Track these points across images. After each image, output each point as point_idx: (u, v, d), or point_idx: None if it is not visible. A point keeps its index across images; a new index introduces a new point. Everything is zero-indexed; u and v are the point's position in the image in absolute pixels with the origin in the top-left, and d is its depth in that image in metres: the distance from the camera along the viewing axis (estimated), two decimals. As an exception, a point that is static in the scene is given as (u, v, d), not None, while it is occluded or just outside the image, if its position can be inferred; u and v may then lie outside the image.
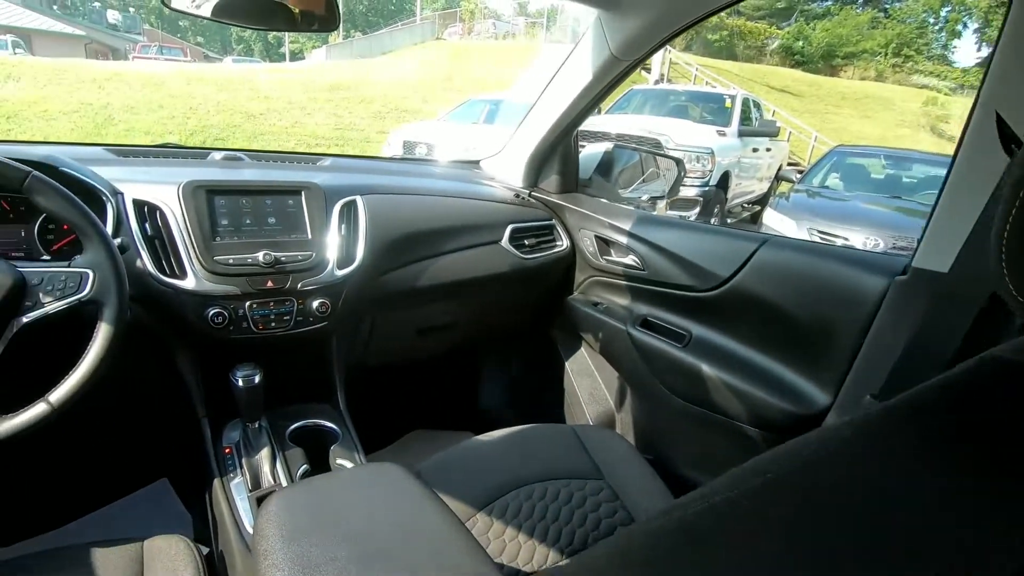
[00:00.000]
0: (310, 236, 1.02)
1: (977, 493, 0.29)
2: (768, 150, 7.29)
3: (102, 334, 0.71)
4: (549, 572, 0.71)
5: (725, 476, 0.44)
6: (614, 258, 1.34)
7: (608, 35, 1.12)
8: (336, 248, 1.03)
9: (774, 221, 4.61)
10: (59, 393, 0.69)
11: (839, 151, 5.84)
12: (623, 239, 1.30)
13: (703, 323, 1.14)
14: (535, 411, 1.57)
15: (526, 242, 1.38)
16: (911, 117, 18.39)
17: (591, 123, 5.73)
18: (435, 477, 0.93)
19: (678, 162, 1.59)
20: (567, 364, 1.47)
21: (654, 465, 1.00)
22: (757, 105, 7.47)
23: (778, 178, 7.81)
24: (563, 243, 1.44)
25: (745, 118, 6.66)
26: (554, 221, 1.45)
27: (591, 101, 1.26)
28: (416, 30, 23.90)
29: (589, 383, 1.43)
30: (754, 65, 23.61)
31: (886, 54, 26.08)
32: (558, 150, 1.45)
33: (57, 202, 0.71)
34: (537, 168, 1.50)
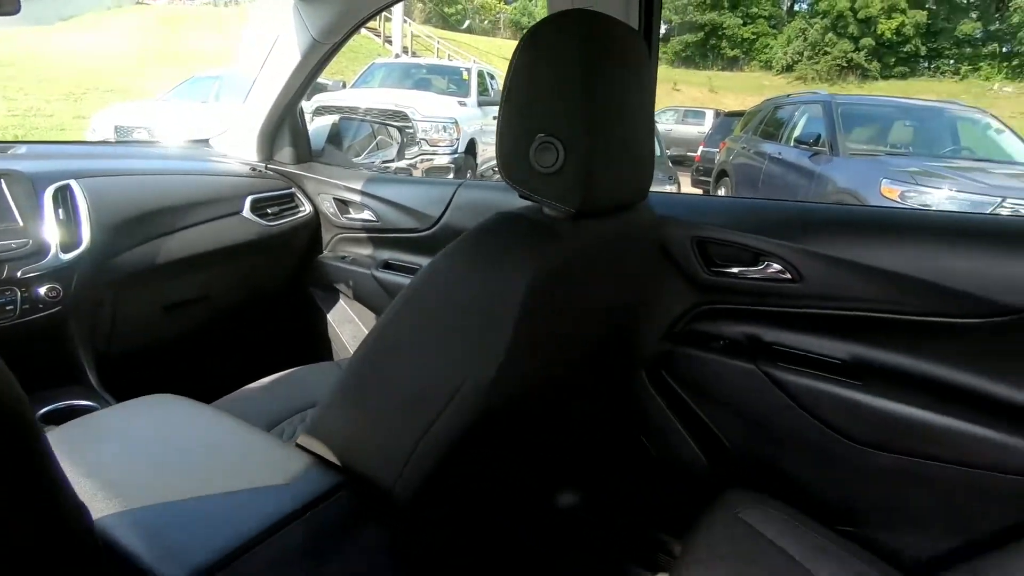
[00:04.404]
0: (21, 223, 1.01)
1: None
2: (508, 118, 8.08)
3: None
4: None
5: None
6: (353, 216, 1.54)
7: (307, 21, 1.29)
8: (57, 233, 1.04)
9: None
10: None
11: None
12: (358, 198, 1.51)
13: (429, 257, 1.43)
14: (305, 363, 1.72)
15: (269, 210, 1.49)
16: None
17: (337, 97, 5.71)
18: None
19: (400, 131, 1.85)
20: (329, 316, 1.64)
21: None
22: (492, 76, 8.20)
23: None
24: (306, 208, 1.58)
25: (483, 89, 7.30)
26: (294, 189, 1.59)
27: (305, 81, 1.42)
28: (105, -9, 19.72)
29: (351, 328, 1.63)
30: (490, 38, 25.34)
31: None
32: (286, 125, 1.57)
33: None
34: (269, 142, 1.60)
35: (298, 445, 0.70)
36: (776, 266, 0.95)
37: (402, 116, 5.36)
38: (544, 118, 0.60)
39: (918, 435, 0.84)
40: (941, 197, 3.60)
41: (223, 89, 6.38)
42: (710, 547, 0.78)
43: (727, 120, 8.55)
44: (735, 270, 0.99)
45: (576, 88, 0.58)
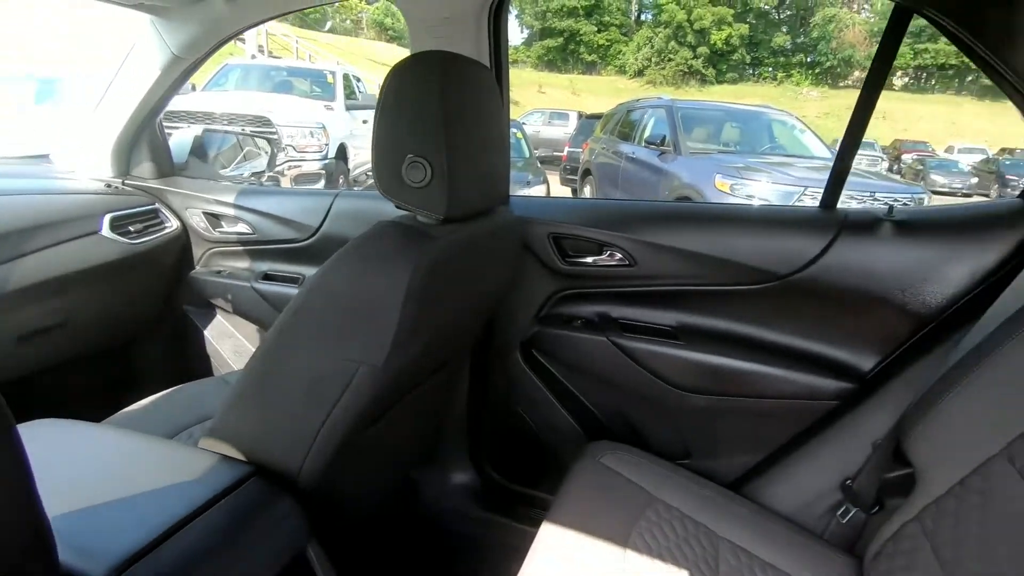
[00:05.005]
0: None
1: None
2: (380, 121, 7.98)
3: None
4: None
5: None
6: (226, 229, 1.53)
7: (166, 37, 1.27)
8: None
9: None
10: None
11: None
12: (230, 211, 1.50)
13: (310, 266, 1.47)
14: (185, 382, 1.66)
15: (132, 228, 1.43)
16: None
17: (189, 102, 5.27)
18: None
19: (270, 140, 1.84)
20: (206, 332, 1.60)
21: None
22: (358, 79, 8.03)
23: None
24: (172, 224, 1.53)
25: (350, 92, 7.13)
26: (157, 205, 1.53)
27: (164, 94, 1.38)
28: None
29: (232, 343, 1.61)
30: (352, 38, 24.61)
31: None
32: (144, 138, 1.51)
33: None
34: (126, 157, 1.52)
35: (201, 448, 0.75)
36: (618, 255, 1.14)
37: (264, 121, 5.10)
38: (412, 141, 0.71)
39: (725, 378, 1.07)
40: (761, 188, 4.26)
41: (45, 93, 5.57)
42: (578, 489, 0.95)
43: (588, 121, 9.20)
44: (587, 260, 1.17)
45: (438, 117, 0.70)
